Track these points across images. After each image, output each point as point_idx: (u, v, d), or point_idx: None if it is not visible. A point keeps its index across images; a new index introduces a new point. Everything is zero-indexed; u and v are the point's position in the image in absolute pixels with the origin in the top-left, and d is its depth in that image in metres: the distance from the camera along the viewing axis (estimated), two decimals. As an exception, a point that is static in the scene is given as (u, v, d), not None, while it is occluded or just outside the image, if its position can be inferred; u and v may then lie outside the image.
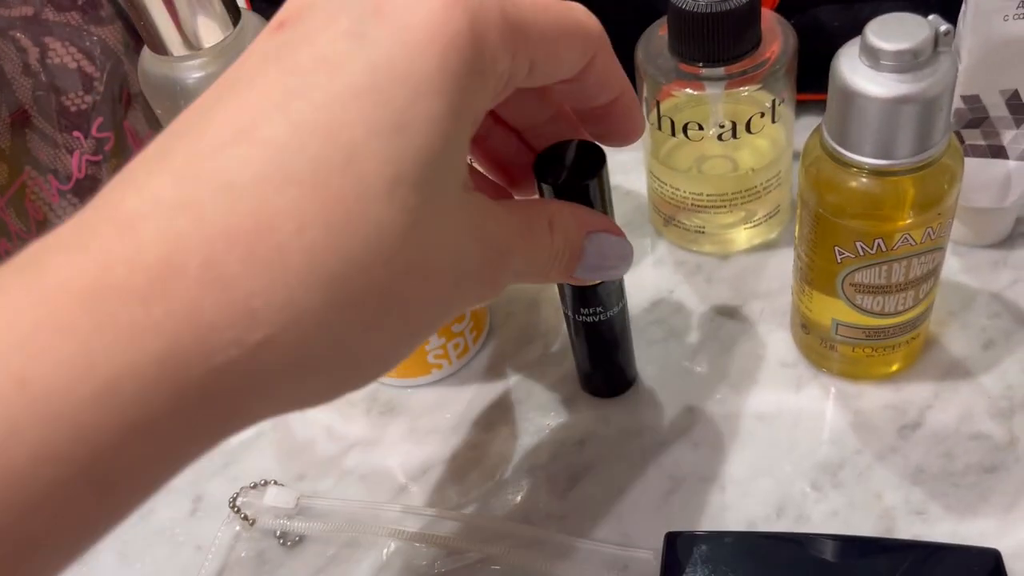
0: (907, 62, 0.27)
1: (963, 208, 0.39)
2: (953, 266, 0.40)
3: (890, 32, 0.27)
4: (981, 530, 0.32)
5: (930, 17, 0.28)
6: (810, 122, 0.35)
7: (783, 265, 0.42)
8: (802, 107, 0.43)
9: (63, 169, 0.42)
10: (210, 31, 0.35)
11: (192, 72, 0.35)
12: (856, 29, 0.29)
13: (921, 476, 0.34)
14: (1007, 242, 0.40)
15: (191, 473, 0.41)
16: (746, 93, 0.37)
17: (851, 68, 0.28)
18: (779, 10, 0.41)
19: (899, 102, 0.27)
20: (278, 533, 0.36)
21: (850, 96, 0.28)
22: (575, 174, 0.28)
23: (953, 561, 0.29)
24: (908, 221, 0.30)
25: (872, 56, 0.28)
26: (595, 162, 0.28)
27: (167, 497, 0.38)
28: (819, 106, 0.34)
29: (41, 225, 0.41)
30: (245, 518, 0.36)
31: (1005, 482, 0.33)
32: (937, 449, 0.35)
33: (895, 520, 0.33)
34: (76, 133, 0.42)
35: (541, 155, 0.29)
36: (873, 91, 0.28)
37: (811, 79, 0.39)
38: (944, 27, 0.28)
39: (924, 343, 0.37)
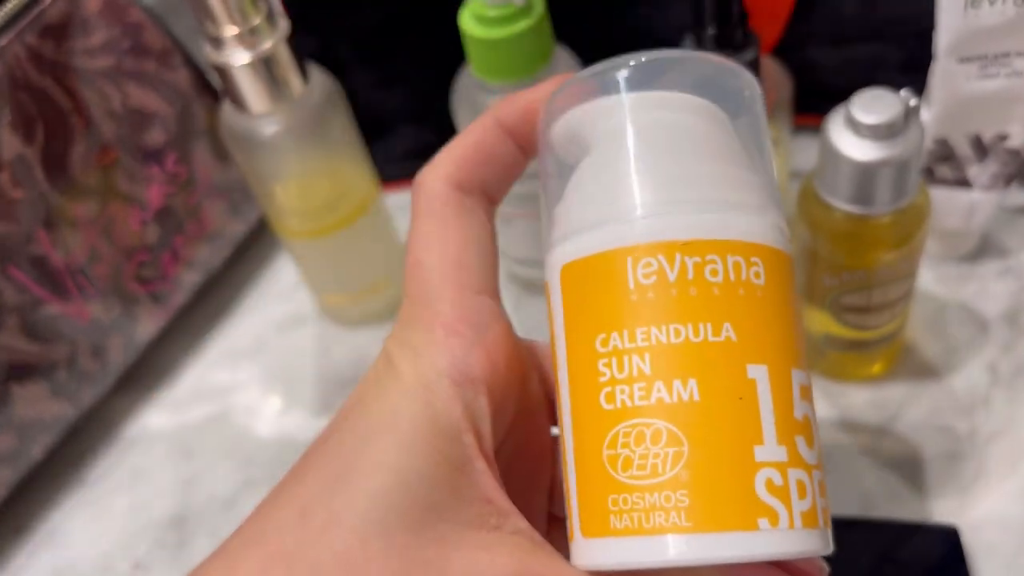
0: (883, 132, 0.33)
1: (936, 228, 0.45)
2: (928, 278, 0.46)
3: (869, 106, 0.33)
4: (947, 508, 0.39)
5: (902, 92, 0.33)
6: (806, 142, 0.43)
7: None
8: (799, 129, 0.49)
9: (144, 200, 0.47)
10: (285, 91, 0.40)
11: (269, 126, 0.41)
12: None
13: (896, 463, 0.40)
14: (973, 257, 0.46)
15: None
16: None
17: (837, 135, 0.34)
18: (776, 52, 0.47)
19: (876, 165, 0.33)
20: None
21: (837, 158, 0.34)
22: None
23: (920, 537, 0.36)
24: (885, 256, 0.36)
25: (855, 127, 0.33)
26: None
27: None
28: (813, 130, 0.41)
29: (128, 251, 0.47)
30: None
31: (966, 468, 0.40)
32: (910, 440, 0.41)
33: (873, 501, 0.39)
34: (154, 168, 0.48)
35: None
36: (855, 156, 0.33)
37: (808, 104, 0.46)
38: (913, 102, 0.33)
39: (901, 349, 0.43)
